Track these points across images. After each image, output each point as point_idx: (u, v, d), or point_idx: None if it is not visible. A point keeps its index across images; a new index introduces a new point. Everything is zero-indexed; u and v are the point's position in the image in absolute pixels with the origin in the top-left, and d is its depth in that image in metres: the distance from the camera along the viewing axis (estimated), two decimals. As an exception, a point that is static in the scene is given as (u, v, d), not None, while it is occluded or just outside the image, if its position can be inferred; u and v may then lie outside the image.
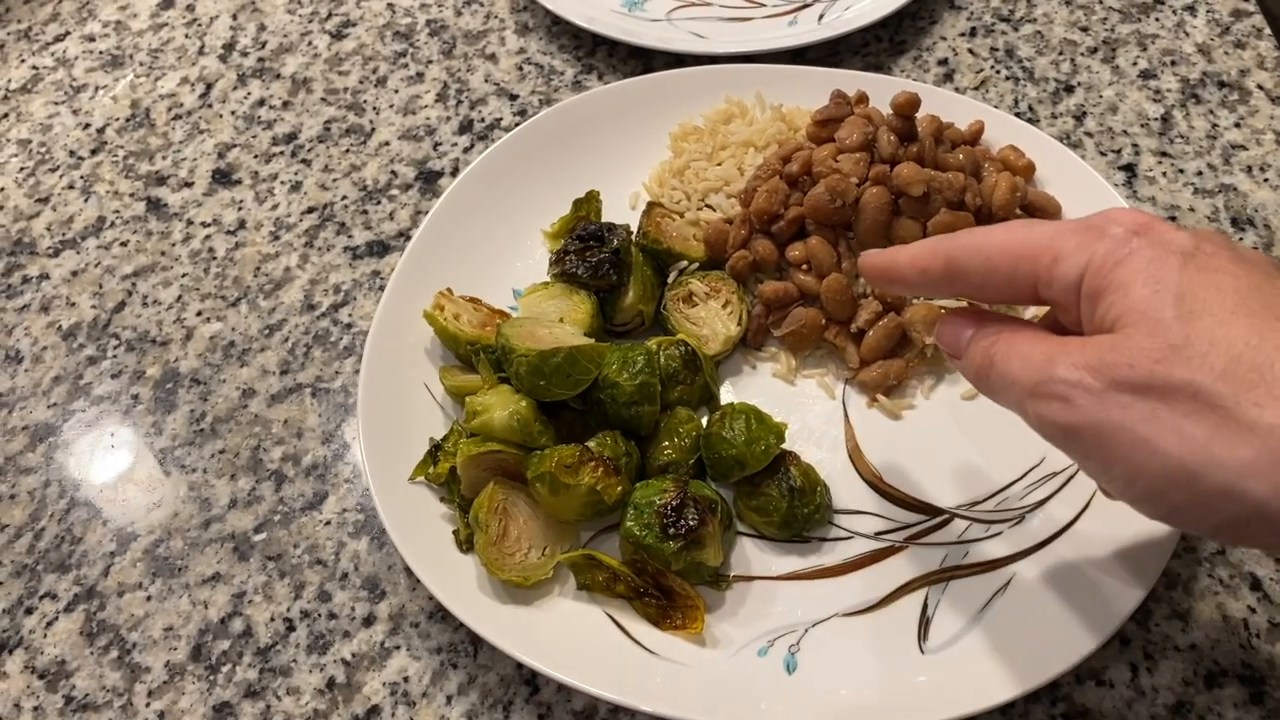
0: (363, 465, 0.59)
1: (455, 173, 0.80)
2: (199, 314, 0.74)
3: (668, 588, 0.56)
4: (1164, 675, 0.54)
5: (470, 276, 0.69)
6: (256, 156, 0.83)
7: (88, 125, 0.87)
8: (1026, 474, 0.59)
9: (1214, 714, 0.53)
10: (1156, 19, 0.84)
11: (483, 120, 0.83)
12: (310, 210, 0.79)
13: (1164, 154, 0.75)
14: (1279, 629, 0.55)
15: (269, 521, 0.64)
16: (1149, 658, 0.55)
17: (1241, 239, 0.70)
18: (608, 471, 0.57)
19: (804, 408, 0.64)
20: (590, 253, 0.65)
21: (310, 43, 0.91)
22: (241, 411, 0.69)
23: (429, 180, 0.80)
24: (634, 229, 0.69)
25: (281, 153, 0.83)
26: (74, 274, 0.78)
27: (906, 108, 0.66)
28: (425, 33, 0.90)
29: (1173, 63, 0.81)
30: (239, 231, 0.78)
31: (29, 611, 0.62)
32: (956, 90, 0.80)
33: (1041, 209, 0.68)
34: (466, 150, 0.81)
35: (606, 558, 0.56)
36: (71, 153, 0.86)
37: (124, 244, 0.79)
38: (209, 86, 0.89)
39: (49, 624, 0.61)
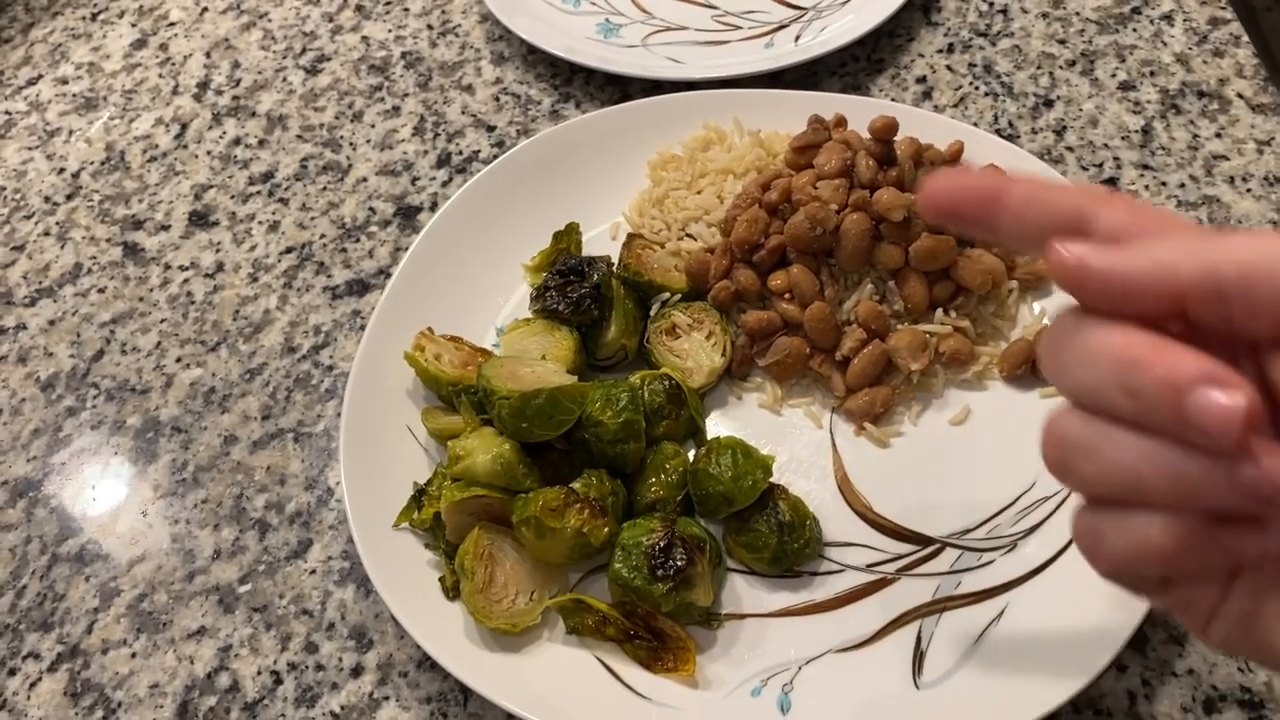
0: (347, 512, 0.59)
1: (434, 207, 0.79)
2: (178, 360, 0.73)
3: (658, 629, 0.55)
4: (1162, 702, 0.54)
5: (451, 314, 0.68)
6: (233, 197, 0.82)
7: (62, 170, 0.87)
8: (1017, 500, 0.59)
9: (1215, 740, 0.52)
10: (1134, 29, 0.84)
11: (460, 153, 0.83)
12: (289, 250, 0.78)
13: (1146, 166, 0.75)
14: (1277, 650, 0.55)
15: (253, 572, 0.63)
16: (1146, 684, 0.54)
17: (1226, 251, 0.69)
18: (593, 513, 0.56)
19: (791, 438, 0.64)
20: (571, 288, 0.65)
21: (285, 79, 0.91)
22: (223, 459, 0.68)
23: (408, 216, 0.79)
24: (615, 261, 0.69)
25: (258, 192, 0.82)
26: (51, 323, 0.77)
27: (884, 132, 0.65)
28: (400, 65, 0.90)
29: (1152, 73, 0.80)
30: (217, 274, 0.78)
31: (11, 673, 0.61)
32: (936, 108, 0.80)
33: (1024, 228, 0.67)
34: (445, 184, 0.81)
35: (595, 601, 0.56)
36: (46, 199, 0.85)
37: (101, 291, 0.78)
38: (184, 127, 0.88)
39: (32, 685, 0.60)
